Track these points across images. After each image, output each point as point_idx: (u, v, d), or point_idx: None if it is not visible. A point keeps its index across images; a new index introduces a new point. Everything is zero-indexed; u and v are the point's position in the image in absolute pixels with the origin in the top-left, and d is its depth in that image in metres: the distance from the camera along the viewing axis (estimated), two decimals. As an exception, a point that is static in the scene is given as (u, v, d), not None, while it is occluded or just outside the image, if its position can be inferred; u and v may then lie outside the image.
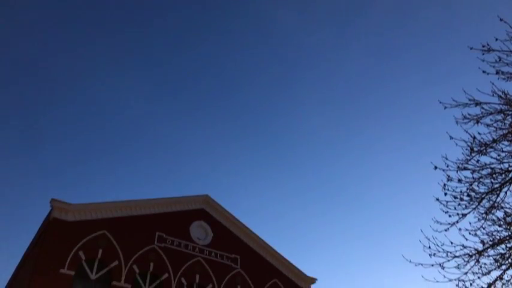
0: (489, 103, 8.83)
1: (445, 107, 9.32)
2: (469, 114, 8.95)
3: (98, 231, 17.66)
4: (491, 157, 8.92)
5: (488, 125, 8.71)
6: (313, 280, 23.14)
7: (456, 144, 9.18)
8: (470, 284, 9.05)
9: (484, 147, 8.72)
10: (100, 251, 17.30)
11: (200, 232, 20.70)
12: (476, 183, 9.09)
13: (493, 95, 8.81)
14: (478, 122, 8.78)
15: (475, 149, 8.79)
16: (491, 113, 8.81)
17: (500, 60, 8.60)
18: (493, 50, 8.63)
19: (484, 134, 8.91)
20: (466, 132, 8.92)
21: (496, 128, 8.68)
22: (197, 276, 19.24)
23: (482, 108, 8.85)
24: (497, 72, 8.69)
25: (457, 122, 9.17)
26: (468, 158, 8.96)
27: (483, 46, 8.67)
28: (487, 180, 9.04)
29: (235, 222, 22.03)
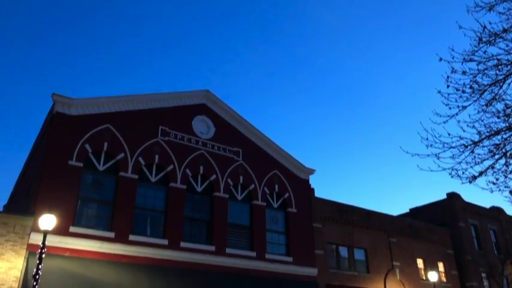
0: (505, -11, 8.34)
1: (458, -6, 8.81)
2: (482, 2, 8.52)
3: (102, 125, 17.97)
4: (499, 48, 8.73)
5: (500, 13, 8.34)
6: (311, 171, 24.20)
7: (465, 34, 8.89)
8: (463, 173, 9.50)
9: (493, 37, 8.45)
10: (105, 144, 17.81)
11: (202, 126, 21.09)
12: (480, 75, 9.02)
13: (509, -19, 8.28)
14: (490, 9, 8.38)
15: (484, 39, 8.53)
16: (505, 0, 8.37)
17: None
18: None
19: (494, 23, 8.59)
20: (477, 21, 8.58)
21: (508, 17, 8.32)
22: (201, 168, 20.08)
23: (497, -6, 8.39)
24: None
25: (468, 11, 8.77)
26: (475, 48, 8.76)
27: None
28: (492, 72, 8.97)
29: (236, 117, 22.33)
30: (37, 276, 12.18)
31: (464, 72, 9.06)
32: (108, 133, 17.98)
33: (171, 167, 19.16)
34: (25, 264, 14.30)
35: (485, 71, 8.95)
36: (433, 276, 22.95)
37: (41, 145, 18.32)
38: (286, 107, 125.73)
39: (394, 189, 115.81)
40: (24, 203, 18.39)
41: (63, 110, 17.18)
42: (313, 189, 24.13)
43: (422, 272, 27.44)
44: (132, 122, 18.86)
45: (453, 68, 9.06)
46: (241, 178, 21.31)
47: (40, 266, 12.29)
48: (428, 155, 9.59)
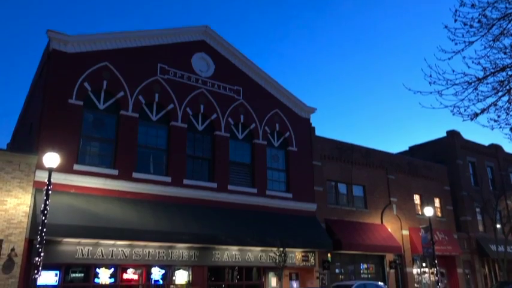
0: None
1: None
2: None
3: (100, 63, 17.63)
4: (511, -21, 8.32)
5: None
6: (312, 110, 24.13)
7: (476, -36, 8.43)
8: (465, 110, 9.43)
9: (506, -34, 8.02)
10: (105, 83, 17.59)
11: (202, 64, 20.71)
12: (489, 8, 8.69)
13: None
14: None
15: (496, -32, 8.10)
16: None
17: None
18: None
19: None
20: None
21: None
22: (202, 107, 20.00)
23: None
24: None
25: None
26: (487, -21, 8.35)
27: None
28: (502, 5, 8.65)
29: (236, 54, 21.86)
30: (45, 212, 12.58)
31: (473, 5, 8.72)
32: (106, 71, 17.71)
33: (172, 105, 19.08)
34: (33, 200, 14.73)
35: (495, 4, 8.62)
36: (428, 211, 23.69)
37: (39, 83, 18.12)
38: (285, 44, 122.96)
39: (395, 127, 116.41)
40: (27, 141, 18.54)
41: (60, 48, 16.78)
42: (313, 128, 24.21)
43: (419, 207, 28.29)
44: (131, 59, 18.49)
45: (462, 1, 8.71)
46: (241, 117, 21.30)
47: (48, 202, 12.65)
48: (430, 92, 9.49)
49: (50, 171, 13.04)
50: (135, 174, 17.25)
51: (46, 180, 12.97)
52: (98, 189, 16.16)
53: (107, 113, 17.56)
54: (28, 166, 15.00)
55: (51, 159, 13.07)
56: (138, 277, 16.68)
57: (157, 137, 18.67)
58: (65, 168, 15.41)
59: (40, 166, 14.81)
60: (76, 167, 15.98)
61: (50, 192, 12.82)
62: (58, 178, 14.89)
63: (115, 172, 16.79)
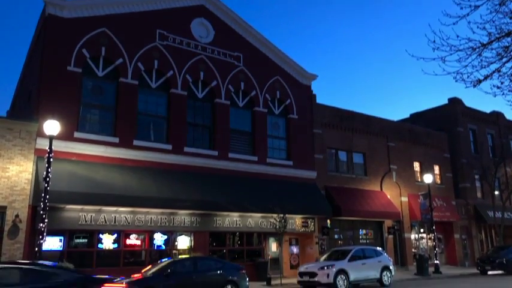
0: None
1: None
2: None
3: (98, 29, 17.31)
4: None
5: None
6: (313, 76, 23.89)
7: None
8: (468, 77, 9.28)
9: None
10: (103, 49, 17.33)
11: (201, 30, 20.33)
12: (497, -30, 8.41)
13: None
14: None
15: None
16: None
17: None
18: None
19: None
20: None
21: None
22: (201, 74, 19.79)
23: None
24: None
25: None
26: None
27: None
28: (510, -33, 8.35)
29: (236, 19, 21.42)
30: (47, 179, 12.68)
31: (480, -33, 8.45)
32: (104, 37, 17.40)
33: (171, 72, 18.87)
34: (35, 167, 14.82)
35: (503, -34, 8.34)
36: (427, 178, 23.83)
37: (37, 49, 17.86)
38: (285, 10, 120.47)
39: (396, 94, 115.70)
40: (26, 108, 18.47)
41: (56, 12, 16.43)
42: (314, 95, 24.04)
43: (419, 174, 28.48)
44: (129, 25, 18.14)
45: (469, -38, 8.43)
46: (242, 84, 21.11)
47: (49, 170, 12.73)
48: (434, 59, 9.31)
49: (51, 138, 13.06)
50: (135, 142, 17.28)
51: (47, 148, 13.01)
52: (99, 156, 16.23)
53: (106, 80, 17.40)
54: (29, 134, 15.01)
55: (52, 126, 13.07)
56: (141, 242, 17.03)
57: (157, 104, 18.58)
58: (66, 135, 15.42)
59: (41, 134, 14.82)
60: (76, 134, 15.99)
61: (51, 159, 12.89)
62: (59, 146, 14.91)
63: (115, 140, 16.82)
